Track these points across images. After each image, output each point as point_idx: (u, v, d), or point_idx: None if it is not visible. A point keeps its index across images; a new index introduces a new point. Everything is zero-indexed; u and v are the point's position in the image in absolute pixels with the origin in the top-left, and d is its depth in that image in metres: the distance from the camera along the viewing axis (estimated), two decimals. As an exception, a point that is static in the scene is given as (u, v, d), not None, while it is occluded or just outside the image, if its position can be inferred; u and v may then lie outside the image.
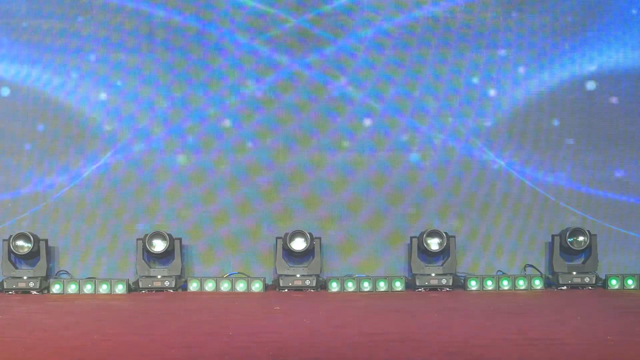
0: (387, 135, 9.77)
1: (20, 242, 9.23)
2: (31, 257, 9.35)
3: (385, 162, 9.76)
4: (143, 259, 9.39)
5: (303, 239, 9.30)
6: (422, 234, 9.37)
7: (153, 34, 9.75)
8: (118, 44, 9.73)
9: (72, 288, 9.12)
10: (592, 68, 9.73)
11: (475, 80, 9.76)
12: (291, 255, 9.40)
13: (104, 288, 9.11)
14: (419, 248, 9.39)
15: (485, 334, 6.70)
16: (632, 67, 9.72)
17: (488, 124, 9.75)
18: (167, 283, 9.23)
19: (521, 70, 9.75)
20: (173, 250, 9.38)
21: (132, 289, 9.25)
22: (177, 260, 9.39)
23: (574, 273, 9.31)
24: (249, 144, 9.78)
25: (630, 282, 9.23)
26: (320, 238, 9.45)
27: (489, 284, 9.22)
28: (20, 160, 9.67)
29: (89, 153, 9.72)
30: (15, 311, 8.03)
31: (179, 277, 9.34)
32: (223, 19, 9.76)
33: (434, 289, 9.16)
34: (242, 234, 9.73)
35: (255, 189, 9.76)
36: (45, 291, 9.19)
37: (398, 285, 9.20)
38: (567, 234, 9.32)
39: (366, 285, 9.20)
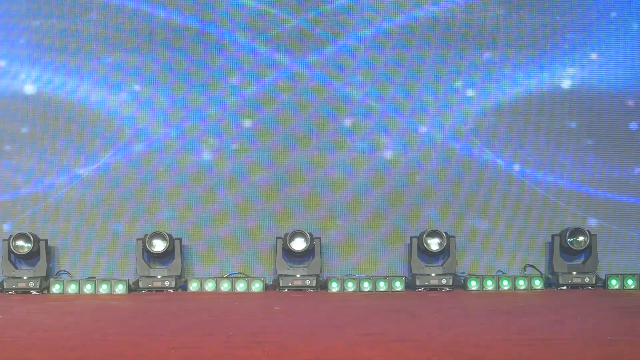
0: (387, 135, 9.77)
1: (20, 242, 9.23)
2: (31, 257, 9.35)
3: (385, 162, 9.76)
4: (143, 259, 9.40)
5: (303, 239, 9.30)
6: (422, 234, 9.37)
7: (153, 34, 9.75)
8: (118, 44, 9.73)
9: (72, 288, 9.12)
10: (592, 68, 9.73)
11: (475, 80, 9.76)
12: (291, 255, 9.40)
13: (104, 288, 9.11)
14: (419, 248, 9.40)
15: (485, 334, 6.70)
16: (633, 67, 9.72)
17: (488, 123, 9.75)
18: (167, 283, 9.23)
19: (521, 70, 9.75)
20: (173, 250, 9.38)
21: (132, 289, 9.25)
22: (177, 260, 9.39)
23: (574, 273, 9.31)
24: (249, 144, 9.77)
25: (630, 282, 9.23)
26: (320, 238, 9.45)
27: (489, 284, 9.22)
28: (20, 160, 9.67)
29: (89, 153, 9.72)
30: (15, 311, 8.03)
31: (179, 277, 9.34)
32: (223, 19, 9.76)
33: (434, 289, 9.16)
34: (242, 234, 9.73)
35: (255, 189, 9.76)
36: (45, 291, 9.19)
37: (398, 285, 9.20)
38: (567, 234, 9.32)
39: (366, 285, 9.20)
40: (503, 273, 9.49)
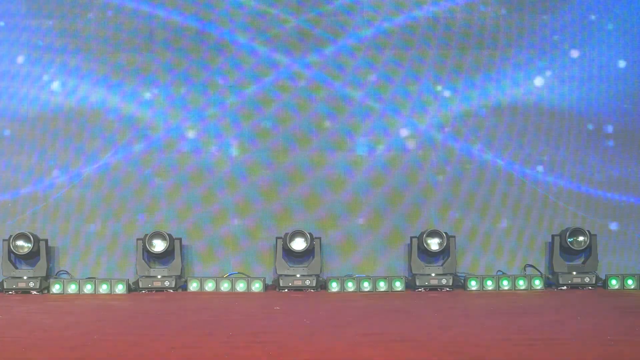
0: (386, 135, 9.77)
1: (20, 242, 9.23)
2: (31, 257, 9.35)
3: (385, 162, 9.76)
4: (143, 259, 9.40)
5: (303, 239, 9.30)
6: (422, 234, 9.37)
7: (153, 34, 9.75)
8: (118, 44, 9.74)
9: (72, 288, 9.12)
10: (592, 68, 9.73)
11: (475, 80, 9.76)
12: (291, 255, 9.40)
13: (104, 288, 9.11)
14: (419, 248, 9.39)
15: (485, 334, 6.70)
16: (632, 67, 9.73)
17: (488, 123, 9.75)
18: (167, 283, 9.23)
19: (521, 70, 9.75)
20: (173, 250, 9.38)
21: (132, 289, 9.25)
22: (177, 260, 9.39)
23: (574, 273, 9.31)
24: (249, 144, 9.77)
25: (630, 282, 9.23)
26: (320, 238, 9.45)
27: (489, 284, 9.22)
28: (20, 160, 9.67)
29: (89, 153, 9.72)
30: (15, 311, 8.03)
31: (179, 277, 9.34)
32: (223, 19, 9.76)
33: (434, 289, 9.16)
34: (242, 234, 9.73)
35: (255, 189, 9.76)
36: (45, 291, 9.19)
37: (398, 285, 9.20)
38: (567, 234, 9.32)
39: (366, 285, 9.20)
40: (503, 273, 9.49)
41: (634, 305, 8.29)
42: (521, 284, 9.23)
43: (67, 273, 9.57)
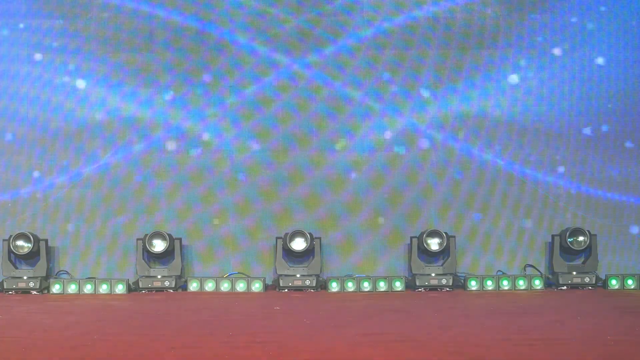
0: (387, 135, 9.77)
1: (20, 242, 9.23)
2: (31, 257, 9.35)
3: (385, 162, 9.76)
4: (143, 259, 9.40)
5: (303, 239, 9.30)
6: (422, 234, 9.37)
7: (153, 34, 9.75)
8: (118, 44, 9.74)
9: (72, 288, 9.12)
10: (592, 68, 9.73)
11: (475, 80, 9.76)
12: (291, 255, 9.40)
13: (104, 288, 9.11)
14: (419, 248, 9.40)
15: (485, 334, 6.70)
16: (633, 67, 9.73)
17: (488, 123, 9.75)
18: (167, 283, 9.23)
19: (521, 70, 9.75)
20: (173, 250, 9.38)
21: (132, 289, 9.25)
22: (177, 260, 9.39)
23: (574, 273, 9.31)
24: (249, 144, 9.77)
25: (630, 282, 9.23)
26: (320, 238, 9.45)
27: (489, 284, 9.22)
28: (20, 160, 9.67)
29: (89, 153, 9.72)
30: (15, 311, 8.03)
31: (179, 277, 9.34)
32: (223, 19, 9.76)
33: (434, 289, 9.16)
34: (242, 234, 9.73)
35: (255, 189, 9.76)
36: (45, 291, 9.19)
37: (398, 285, 9.20)
38: (567, 234, 9.32)
39: (366, 285, 9.20)
40: (503, 273, 9.49)
41: (634, 305, 8.29)
42: (521, 284, 9.23)
43: (67, 273, 9.57)
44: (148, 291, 9.20)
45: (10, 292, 9.12)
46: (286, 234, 9.33)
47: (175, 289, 9.23)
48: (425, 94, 9.77)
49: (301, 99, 9.79)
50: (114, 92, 9.74)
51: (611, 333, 6.63)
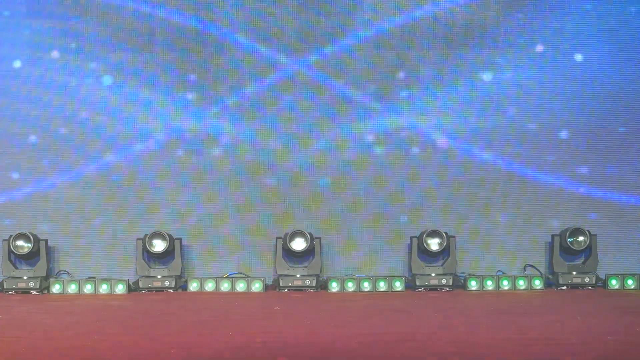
0: (387, 135, 9.77)
1: (20, 242, 9.23)
2: (31, 257, 9.35)
3: (385, 162, 9.76)
4: (143, 259, 9.40)
5: (303, 239, 9.30)
6: (422, 234, 9.37)
7: (153, 34, 9.75)
8: (118, 44, 9.73)
9: (72, 288, 9.12)
10: (592, 68, 9.73)
11: (475, 80, 9.76)
12: (291, 255, 9.40)
13: (104, 288, 9.11)
14: (419, 248, 9.39)
15: (485, 334, 6.70)
16: (632, 67, 9.73)
17: (489, 123, 9.75)
18: (167, 283, 9.23)
19: (522, 70, 9.75)
20: (173, 250, 9.38)
21: (132, 289, 9.25)
22: (177, 260, 9.39)
23: (574, 273, 9.31)
24: (249, 144, 9.77)
25: (630, 282, 9.23)
26: (320, 238, 9.45)
27: (489, 284, 9.22)
28: (20, 160, 9.67)
29: (89, 153, 9.72)
30: (15, 311, 8.03)
31: (179, 277, 9.34)
32: (223, 19, 9.76)
33: (434, 289, 9.16)
34: (242, 234, 9.73)
35: (255, 189, 9.76)
36: (45, 291, 9.19)
37: (398, 285, 9.20)
38: (567, 234, 9.32)
39: (366, 285, 9.20)
40: (503, 273, 9.49)
41: (634, 305, 8.29)
42: (521, 284, 9.23)
43: (67, 273, 9.57)
44: (148, 291, 9.20)
45: (10, 292, 9.12)
46: (286, 234, 9.33)
47: (175, 289, 9.23)
48: (425, 94, 9.77)
49: (301, 99, 9.78)
50: (114, 92, 9.73)
51: (611, 333, 6.63)
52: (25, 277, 9.21)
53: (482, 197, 9.74)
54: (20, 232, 9.26)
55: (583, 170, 9.73)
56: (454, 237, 9.41)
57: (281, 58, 9.76)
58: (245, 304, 8.43)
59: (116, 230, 9.70)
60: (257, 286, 9.20)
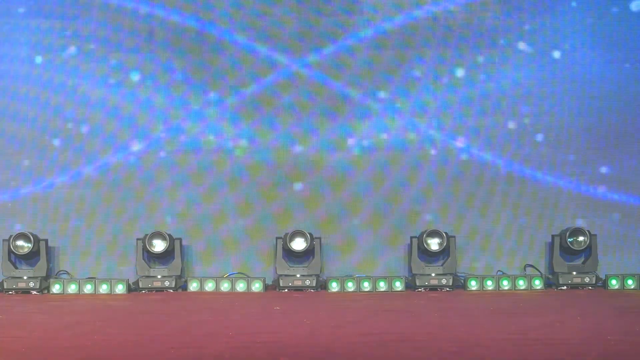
0: (386, 135, 9.77)
1: (20, 242, 9.23)
2: (31, 257, 9.35)
3: (385, 162, 9.76)
4: (143, 259, 9.40)
5: (303, 239, 9.30)
6: (422, 234, 9.37)
7: (153, 34, 9.75)
8: (118, 44, 9.73)
9: (72, 288, 9.12)
10: (592, 68, 9.73)
11: (475, 80, 9.76)
12: (291, 255, 9.40)
13: (104, 288, 9.11)
14: (419, 248, 9.39)
15: (485, 334, 6.70)
16: (631, 67, 9.73)
17: (488, 123, 9.75)
18: (167, 283, 9.23)
19: (521, 70, 9.75)
20: (173, 250, 9.38)
21: (132, 289, 9.25)
22: (177, 260, 9.39)
23: (574, 273, 9.32)
24: (249, 144, 9.77)
25: (630, 282, 9.24)
26: (320, 238, 9.45)
27: (489, 284, 9.22)
28: (20, 160, 9.67)
29: (89, 153, 9.72)
30: (16, 311, 8.03)
31: (179, 277, 9.34)
32: (223, 19, 9.76)
33: (434, 289, 9.16)
34: (242, 234, 9.72)
35: (255, 189, 9.76)
36: (45, 291, 9.19)
37: (398, 285, 9.20)
38: (567, 234, 9.32)
39: (366, 285, 9.20)
40: (503, 273, 9.49)
41: (634, 305, 8.29)
42: (521, 284, 9.23)
43: (67, 273, 9.57)
44: (148, 291, 9.20)
45: (10, 292, 9.12)
46: (286, 234, 9.33)
47: (175, 289, 9.23)
48: (425, 94, 9.77)
49: (301, 99, 9.78)
50: (114, 92, 9.73)
51: (611, 333, 6.63)
52: (25, 277, 9.21)
53: (481, 197, 9.74)
54: (20, 232, 9.27)
55: (583, 170, 9.73)
56: (454, 237, 9.42)
57: (280, 58, 9.76)
58: (245, 304, 8.43)
59: (116, 230, 9.69)
60: (257, 286, 9.20)
